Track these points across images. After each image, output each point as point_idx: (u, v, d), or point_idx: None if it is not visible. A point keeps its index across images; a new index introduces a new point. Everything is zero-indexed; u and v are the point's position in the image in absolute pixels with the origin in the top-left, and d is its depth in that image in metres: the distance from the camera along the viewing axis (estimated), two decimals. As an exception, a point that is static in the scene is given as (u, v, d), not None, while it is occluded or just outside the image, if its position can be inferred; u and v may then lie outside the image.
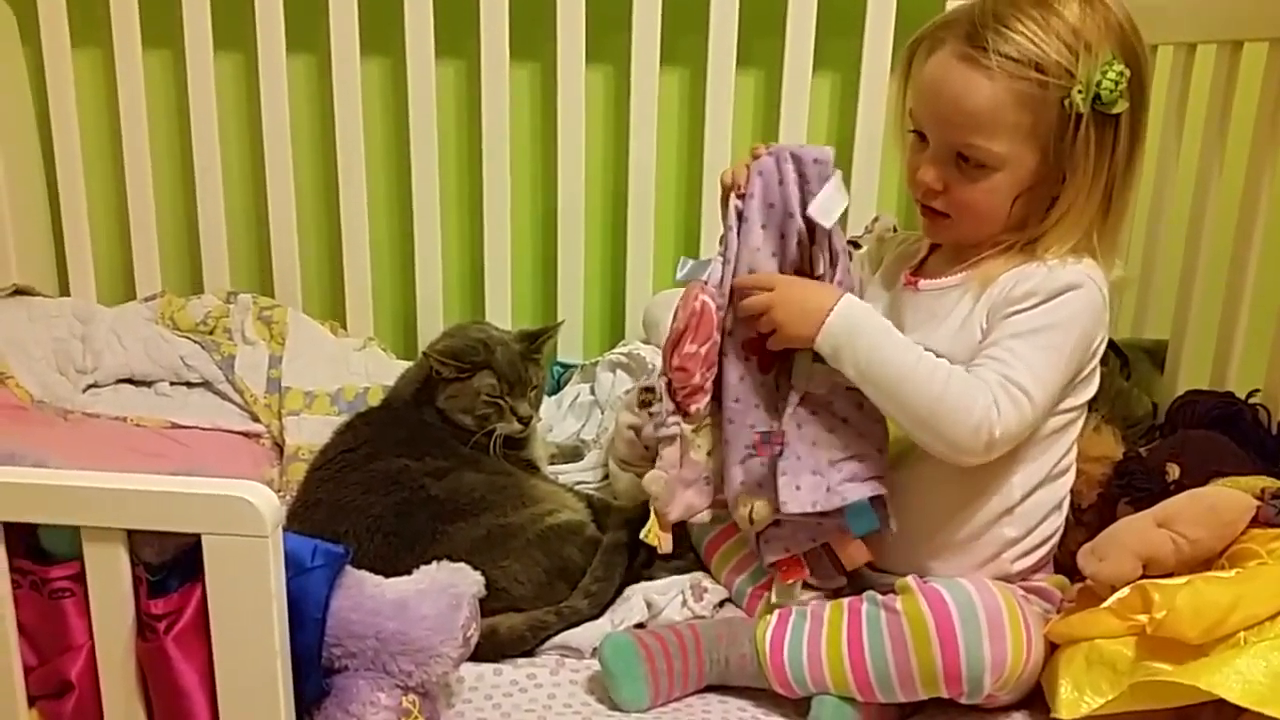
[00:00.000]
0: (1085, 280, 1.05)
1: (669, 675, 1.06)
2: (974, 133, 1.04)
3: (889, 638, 0.99)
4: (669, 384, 1.12)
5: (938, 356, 1.05)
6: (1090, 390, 1.11)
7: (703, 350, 1.10)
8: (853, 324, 1.04)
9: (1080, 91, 1.01)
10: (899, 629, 0.99)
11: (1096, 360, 1.10)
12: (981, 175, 1.06)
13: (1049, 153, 1.04)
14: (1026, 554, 1.11)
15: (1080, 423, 1.13)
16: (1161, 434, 1.32)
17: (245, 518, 0.81)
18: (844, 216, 1.10)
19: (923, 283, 1.14)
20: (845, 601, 1.06)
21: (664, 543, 1.15)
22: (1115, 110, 1.02)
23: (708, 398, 1.13)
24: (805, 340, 1.06)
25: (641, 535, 1.15)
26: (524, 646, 1.13)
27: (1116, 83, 1.01)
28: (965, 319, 1.08)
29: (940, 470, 1.07)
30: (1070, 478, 1.14)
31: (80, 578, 0.85)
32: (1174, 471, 1.14)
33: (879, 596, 1.03)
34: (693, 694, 1.08)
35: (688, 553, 1.31)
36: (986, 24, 1.02)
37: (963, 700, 0.99)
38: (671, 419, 1.12)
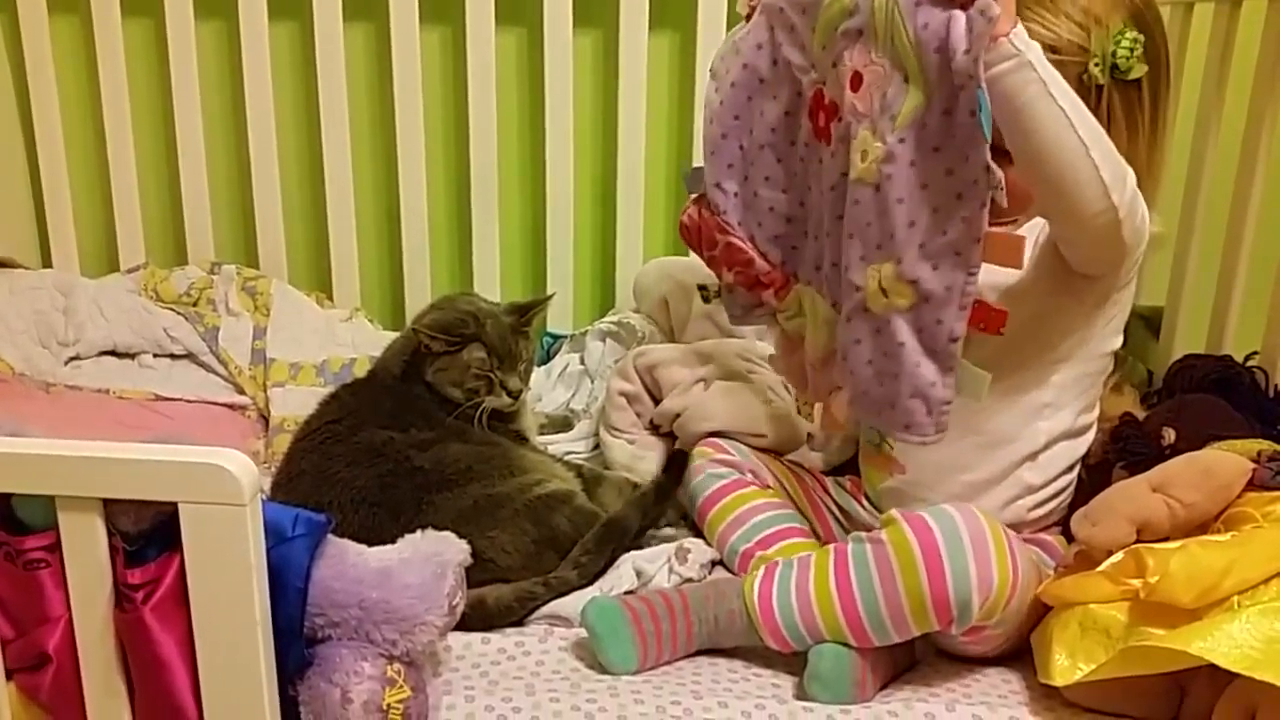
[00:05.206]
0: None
1: (657, 637, 1.05)
2: None
3: (876, 569, 1.00)
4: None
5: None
6: (1118, 339, 1.13)
7: (717, 252, 1.16)
8: None
9: (1097, 64, 1.03)
10: (885, 558, 0.99)
11: (1129, 297, 1.12)
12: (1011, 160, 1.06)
13: None
14: (1042, 504, 1.14)
15: (1103, 378, 1.15)
16: (1159, 398, 1.31)
17: (222, 486, 0.80)
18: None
19: None
20: (832, 546, 1.06)
21: (832, 419, 1.12)
22: (1134, 76, 1.05)
23: (774, 287, 1.15)
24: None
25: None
26: (512, 617, 1.12)
27: (1131, 49, 1.03)
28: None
29: (971, 414, 1.08)
30: (1088, 439, 1.16)
31: (56, 548, 0.83)
32: (1170, 435, 1.13)
33: (864, 535, 1.03)
34: (683, 658, 1.07)
35: (679, 521, 1.31)
36: None
37: (952, 630, 0.99)
38: (758, 313, 1.18)
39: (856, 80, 0.98)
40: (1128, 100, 1.06)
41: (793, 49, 1.07)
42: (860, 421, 1.14)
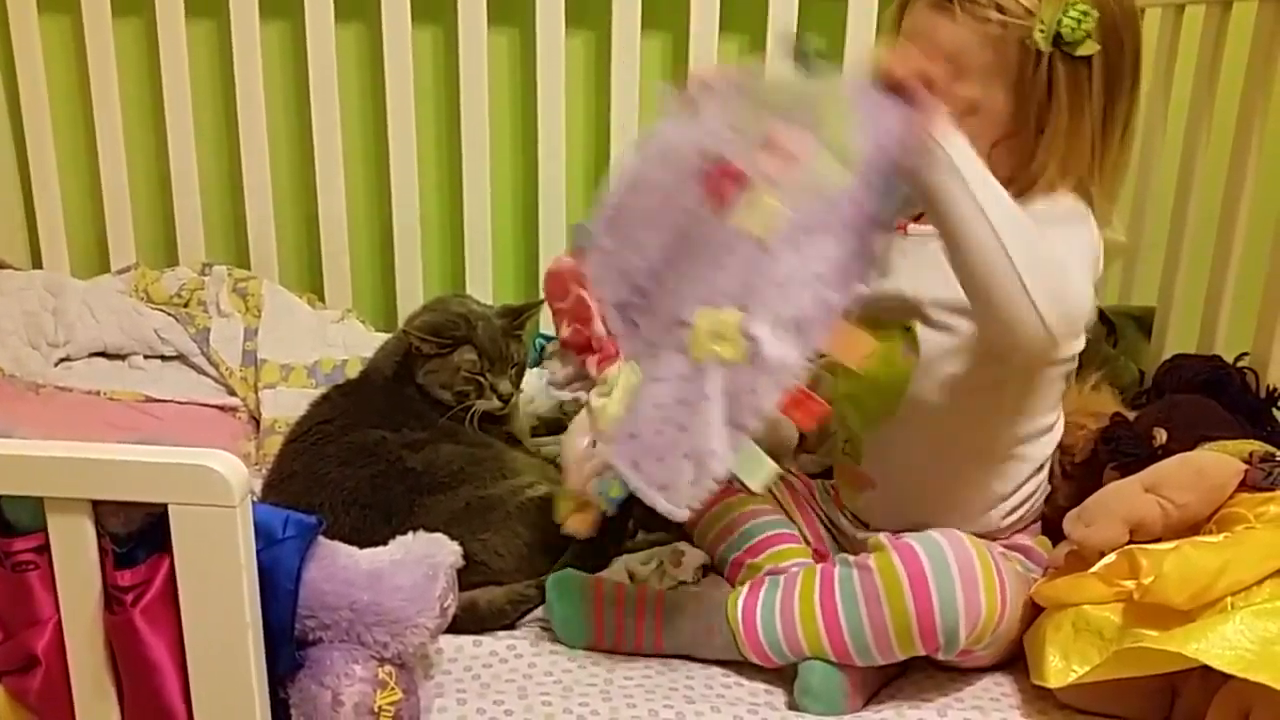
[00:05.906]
0: (1087, 217, 1.04)
1: (618, 626, 1.06)
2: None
3: (863, 595, 0.99)
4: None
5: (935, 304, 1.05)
6: (1079, 343, 1.10)
7: (566, 305, 1.09)
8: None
9: (1041, 30, 1.01)
10: (872, 585, 0.99)
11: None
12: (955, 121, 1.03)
13: (1018, 95, 1.03)
14: (1014, 510, 1.13)
15: (1063, 382, 1.13)
16: (1149, 399, 1.31)
17: (212, 487, 0.79)
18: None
19: (911, 227, 1.12)
20: (818, 567, 1.05)
21: (581, 525, 1.06)
22: (1082, 51, 1.01)
23: (600, 356, 1.07)
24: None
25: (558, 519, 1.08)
26: (504, 620, 1.12)
27: (1079, 21, 1.00)
28: None
29: (931, 426, 1.08)
30: (1054, 439, 1.14)
31: (45, 550, 0.83)
32: (1161, 436, 1.13)
33: (851, 558, 1.03)
34: (673, 657, 1.07)
35: (672, 527, 1.31)
36: None
37: (939, 657, 0.99)
38: (577, 383, 1.09)
39: (776, 150, 0.93)
40: (1074, 77, 1.02)
41: (718, 124, 0.98)
42: (606, 475, 1.00)
